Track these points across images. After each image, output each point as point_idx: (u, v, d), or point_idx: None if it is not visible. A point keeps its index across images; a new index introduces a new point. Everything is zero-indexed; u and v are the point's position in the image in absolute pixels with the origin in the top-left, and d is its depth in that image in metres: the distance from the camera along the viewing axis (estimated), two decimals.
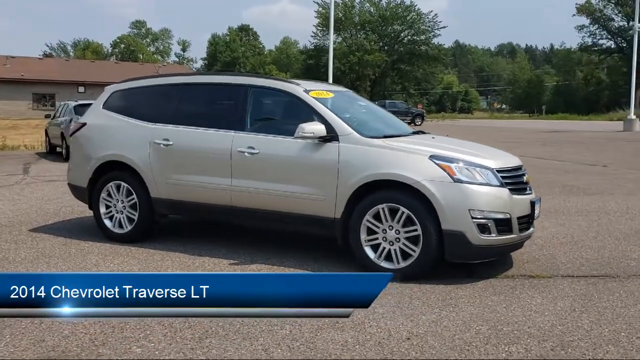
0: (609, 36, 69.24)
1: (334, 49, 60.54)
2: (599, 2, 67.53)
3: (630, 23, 66.38)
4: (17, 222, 7.38)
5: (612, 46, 69.90)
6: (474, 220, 4.86)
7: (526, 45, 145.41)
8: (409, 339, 3.81)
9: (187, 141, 6.01)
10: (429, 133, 6.28)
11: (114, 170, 6.40)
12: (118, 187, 6.35)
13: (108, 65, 57.65)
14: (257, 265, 5.52)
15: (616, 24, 68.16)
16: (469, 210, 4.86)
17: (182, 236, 6.64)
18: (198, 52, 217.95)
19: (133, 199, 6.27)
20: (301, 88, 5.81)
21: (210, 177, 5.86)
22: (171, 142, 6.05)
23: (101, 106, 6.73)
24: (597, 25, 68.52)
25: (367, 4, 60.82)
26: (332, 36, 27.18)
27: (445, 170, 4.95)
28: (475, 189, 4.92)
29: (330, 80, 25.47)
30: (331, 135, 5.37)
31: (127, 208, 6.32)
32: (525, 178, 5.41)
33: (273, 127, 5.83)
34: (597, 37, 69.66)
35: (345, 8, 59.90)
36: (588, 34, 69.30)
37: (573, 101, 73.65)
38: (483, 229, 4.89)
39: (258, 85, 5.95)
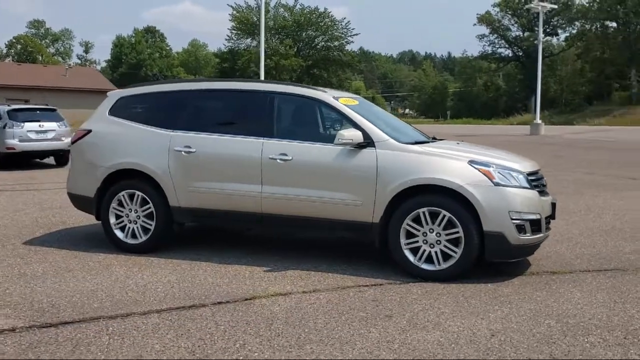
0: (507, 45, 73.58)
1: (251, 53, 60.78)
2: (497, 13, 71.64)
3: (526, 33, 71.19)
4: (0, 236, 6.93)
5: (510, 55, 74.33)
6: (513, 221, 5.16)
7: (425, 53, 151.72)
8: (493, 335, 4.01)
9: (212, 148, 5.90)
10: (445, 139, 6.54)
11: (125, 178, 6.17)
12: (131, 196, 6.13)
13: (7, 67, 54.06)
14: (292, 271, 5.54)
15: (513, 34, 72.57)
16: (509, 212, 5.15)
17: (193, 244, 6.50)
18: (101, 54, 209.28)
19: (149, 208, 6.08)
20: (330, 95, 5.90)
21: (238, 184, 5.80)
22: (194, 150, 5.93)
23: (107, 112, 6.46)
24: (496, 35, 72.64)
25: (282, 9, 61.21)
26: (262, 39, 27.29)
27: (485, 175, 5.21)
28: (513, 192, 5.22)
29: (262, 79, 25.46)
30: (367, 142, 5.49)
31: (142, 218, 6.11)
32: (544, 181, 5.79)
33: (303, 134, 5.86)
34: (496, 46, 73.89)
35: (259, 12, 59.70)
36: (488, 42, 73.36)
37: (474, 106, 77.66)
38: (520, 229, 5.20)
39: (285, 93, 5.97)
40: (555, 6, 51.95)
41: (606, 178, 13.49)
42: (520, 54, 72.25)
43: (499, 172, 5.28)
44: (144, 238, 6.11)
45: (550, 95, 65.62)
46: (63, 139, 15.37)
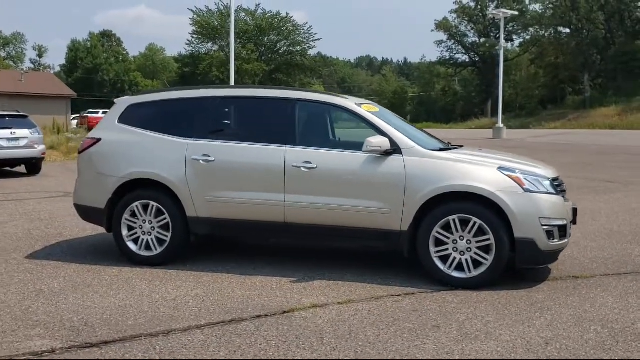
0: (464, 51, 74.91)
1: (212, 58, 60.15)
2: (455, 19, 72.87)
3: (482, 39, 72.64)
4: None
5: (467, 60, 75.66)
6: (543, 227, 5.18)
7: (383, 58, 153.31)
8: (548, 344, 4.00)
9: (232, 157, 5.75)
10: (464, 145, 6.54)
11: (139, 188, 5.96)
12: (145, 207, 5.92)
13: None
14: (319, 282, 5.44)
15: (470, 40, 73.92)
16: (539, 218, 5.17)
17: (208, 255, 6.32)
18: (55, 59, 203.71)
19: (165, 219, 5.88)
20: (352, 102, 5.83)
21: (259, 194, 5.66)
22: (212, 158, 5.76)
23: (116, 120, 6.22)
24: (453, 41, 73.84)
25: (243, 14, 60.77)
26: (232, 43, 26.96)
27: (515, 181, 5.23)
28: (542, 198, 5.25)
29: (233, 83, 25.23)
30: (394, 149, 5.44)
31: (157, 229, 5.91)
32: (565, 186, 5.85)
33: (326, 141, 5.78)
34: (454, 52, 75.09)
35: (221, 16, 59.31)
36: (446, 48, 74.50)
37: (433, 111, 78.74)
38: (549, 235, 5.23)
39: (307, 100, 5.87)
40: (516, 12, 53.14)
41: (585, 181, 13.81)
42: (477, 59, 73.62)
43: (527, 179, 5.30)
44: (159, 250, 5.91)
45: (505, 99, 67.04)
46: (36, 146, 14.84)
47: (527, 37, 71.80)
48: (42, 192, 11.87)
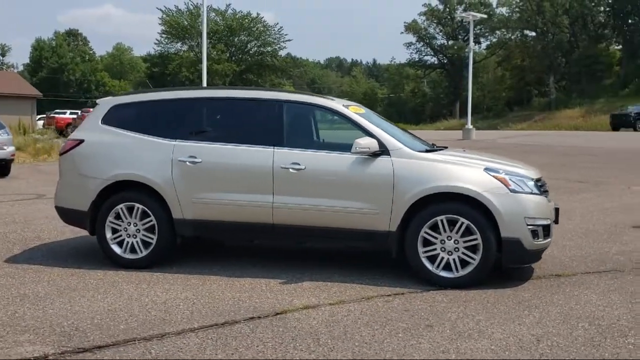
0: (433, 53, 75.74)
1: (182, 58, 59.50)
2: (424, 21, 73.62)
3: (450, 42, 73.57)
4: None
5: (435, 62, 76.51)
6: (528, 227, 5.28)
7: (352, 59, 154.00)
8: (539, 341, 4.09)
9: (219, 158, 5.72)
10: (448, 147, 6.62)
11: (123, 190, 5.88)
12: (130, 209, 5.84)
13: None
14: (308, 283, 5.45)
15: (438, 42, 74.78)
16: (525, 218, 5.27)
17: (193, 257, 6.27)
18: (18, 58, 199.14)
19: (150, 221, 5.81)
20: (340, 104, 5.86)
21: (247, 195, 5.64)
22: (199, 160, 5.72)
23: (99, 121, 6.12)
24: (422, 43, 74.60)
25: (213, 14, 60.26)
26: (204, 43, 26.63)
27: (501, 182, 5.32)
28: (527, 198, 5.35)
29: (204, 84, 25.07)
30: (382, 150, 5.49)
31: (143, 231, 5.84)
32: (547, 186, 5.97)
33: (313, 143, 5.79)
34: (423, 54, 75.87)
35: (191, 16, 58.71)
36: (415, 50, 75.21)
37: (403, 112, 79.38)
38: (534, 234, 5.34)
39: (294, 101, 5.88)
40: (485, 16, 53.86)
41: (558, 182, 14.06)
42: (445, 61, 74.51)
43: (512, 179, 5.40)
44: (145, 253, 5.84)
45: (473, 101, 68.04)
46: (5, 147, 14.49)
47: (494, 40, 72.96)
48: (14, 194, 11.60)
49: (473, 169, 5.44)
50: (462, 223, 5.27)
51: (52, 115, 43.38)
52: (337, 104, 5.87)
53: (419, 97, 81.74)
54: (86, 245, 6.85)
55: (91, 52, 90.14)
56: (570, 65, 63.57)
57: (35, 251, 6.65)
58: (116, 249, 5.88)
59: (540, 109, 62.81)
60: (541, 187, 5.66)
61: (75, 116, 38.53)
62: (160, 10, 60.18)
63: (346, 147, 5.67)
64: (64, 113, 43.62)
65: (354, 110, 5.85)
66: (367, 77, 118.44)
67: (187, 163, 5.74)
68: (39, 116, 45.93)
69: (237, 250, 6.82)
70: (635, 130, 41.03)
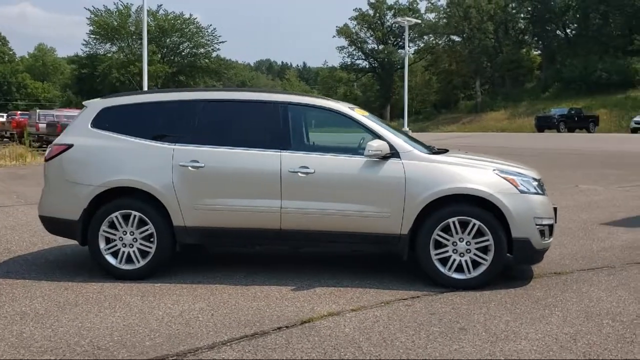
0: (364, 57, 76.83)
1: (112, 59, 57.49)
2: (355, 26, 74.55)
3: (381, 46, 74.84)
4: None
5: (367, 66, 77.63)
6: (537, 227, 5.38)
7: (282, 62, 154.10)
8: (575, 340, 4.14)
9: (223, 162, 5.49)
10: (449, 149, 6.64)
11: (118, 197, 5.54)
12: (126, 217, 5.51)
13: None
14: (320, 289, 5.32)
15: (369, 47, 75.93)
16: (534, 218, 5.36)
17: (189, 266, 6.00)
18: None
19: (148, 229, 5.51)
20: (345, 106, 5.77)
21: (254, 200, 5.45)
22: (202, 164, 5.47)
23: (89, 124, 5.74)
24: (354, 47, 75.53)
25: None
26: (145, 44, 25.87)
27: (511, 183, 5.38)
28: (535, 198, 5.45)
29: (146, 87, 24.32)
30: (392, 153, 5.44)
31: (140, 240, 5.52)
32: (545, 187, 6.10)
33: (319, 146, 5.66)
34: (355, 58, 76.82)
35: (120, 16, 56.91)
36: (347, 54, 76.06)
37: None
38: (542, 234, 5.43)
39: (300, 103, 5.73)
40: (419, 21, 55.07)
41: None
42: (376, 65, 75.74)
43: (520, 180, 5.48)
44: (143, 263, 5.52)
45: (402, 104, 69.69)
46: None
47: (422, 45, 74.80)
48: None
49: (483, 170, 5.48)
50: (474, 224, 5.29)
51: None
52: (343, 106, 5.78)
53: (351, 100, 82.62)
54: (64, 257, 6.44)
55: (11, 52, 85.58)
56: (495, 69, 66.10)
57: (12, 264, 6.17)
58: (111, 259, 5.54)
59: (467, 112, 64.93)
60: (542, 188, 5.77)
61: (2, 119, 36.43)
62: (89, 10, 58.08)
63: (352, 150, 5.62)
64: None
65: (360, 113, 5.78)
66: (298, 80, 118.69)
67: (189, 168, 5.48)
68: None
69: (234, 257, 6.57)
70: (558, 131, 43.17)
